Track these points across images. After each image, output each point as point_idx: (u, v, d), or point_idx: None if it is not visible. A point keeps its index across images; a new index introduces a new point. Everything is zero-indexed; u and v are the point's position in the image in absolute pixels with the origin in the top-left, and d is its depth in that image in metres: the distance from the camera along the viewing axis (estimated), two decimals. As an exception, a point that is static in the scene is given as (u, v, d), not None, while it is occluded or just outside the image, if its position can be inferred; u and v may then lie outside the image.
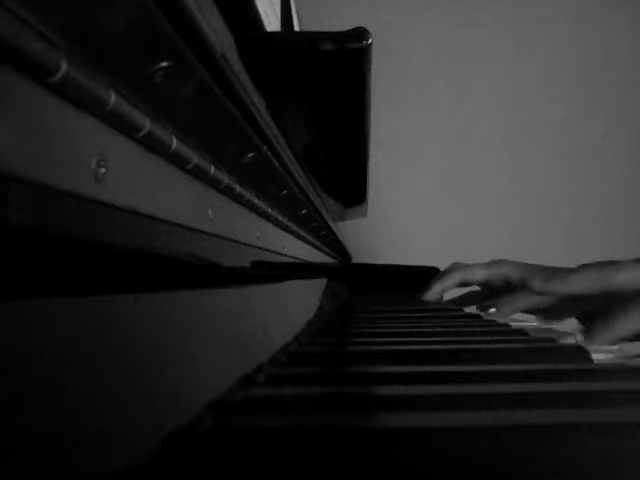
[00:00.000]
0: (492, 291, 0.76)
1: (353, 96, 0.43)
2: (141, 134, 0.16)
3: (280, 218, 0.41)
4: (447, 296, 0.87)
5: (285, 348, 0.34)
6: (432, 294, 0.80)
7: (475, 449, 0.16)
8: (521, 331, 0.46)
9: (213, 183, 0.25)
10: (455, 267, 0.78)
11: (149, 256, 0.19)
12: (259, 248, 0.37)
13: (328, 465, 0.16)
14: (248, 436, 0.17)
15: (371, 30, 0.33)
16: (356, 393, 0.24)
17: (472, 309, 0.74)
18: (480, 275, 0.74)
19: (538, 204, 1.59)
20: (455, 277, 0.77)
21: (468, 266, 0.76)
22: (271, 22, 0.44)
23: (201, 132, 0.22)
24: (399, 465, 0.16)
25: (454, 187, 1.60)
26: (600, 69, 1.60)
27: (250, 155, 0.29)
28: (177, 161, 0.20)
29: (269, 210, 0.37)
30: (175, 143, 0.19)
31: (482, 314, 0.66)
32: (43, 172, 0.12)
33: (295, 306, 0.46)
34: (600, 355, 0.37)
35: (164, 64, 0.17)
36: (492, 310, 0.70)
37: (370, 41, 0.33)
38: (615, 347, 0.41)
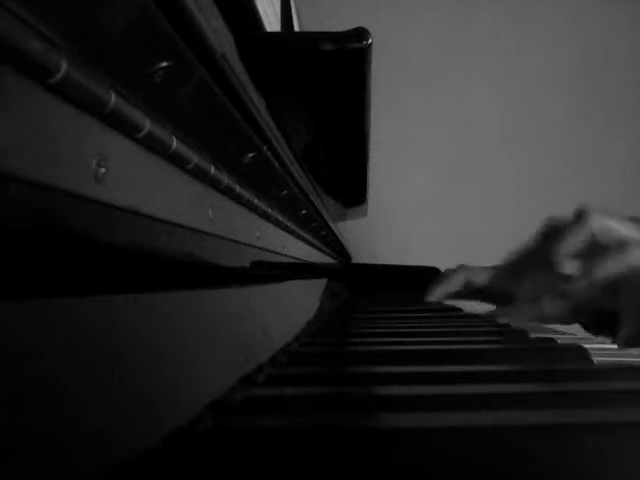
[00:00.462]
0: (495, 295, 0.75)
1: (353, 96, 0.43)
2: (141, 134, 0.16)
3: (280, 218, 0.41)
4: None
5: (285, 348, 0.34)
6: (436, 295, 0.80)
7: (475, 449, 0.16)
8: (521, 331, 0.46)
9: (213, 183, 0.25)
10: (460, 269, 0.78)
11: (149, 256, 0.19)
12: (259, 248, 0.37)
13: (328, 465, 0.16)
14: (248, 436, 0.17)
15: (371, 30, 0.33)
16: (356, 393, 0.24)
17: (472, 309, 0.74)
18: (483, 277, 0.74)
19: (538, 204, 1.59)
20: (459, 279, 0.77)
21: (473, 268, 0.76)
22: (271, 22, 0.44)
23: (201, 132, 0.22)
24: (399, 465, 0.16)
25: (454, 187, 1.60)
26: (600, 68, 1.60)
27: (250, 155, 0.29)
28: (177, 161, 0.20)
29: (269, 210, 0.37)
30: (175, 143, 0.19)
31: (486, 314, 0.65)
32: (43, 172, 0.12)
33: (295, 306, 0.46)
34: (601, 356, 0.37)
35: (164, 64, 0.17)
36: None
37: (370, 41, 0.33)
38: (614, 346, 0.41)
